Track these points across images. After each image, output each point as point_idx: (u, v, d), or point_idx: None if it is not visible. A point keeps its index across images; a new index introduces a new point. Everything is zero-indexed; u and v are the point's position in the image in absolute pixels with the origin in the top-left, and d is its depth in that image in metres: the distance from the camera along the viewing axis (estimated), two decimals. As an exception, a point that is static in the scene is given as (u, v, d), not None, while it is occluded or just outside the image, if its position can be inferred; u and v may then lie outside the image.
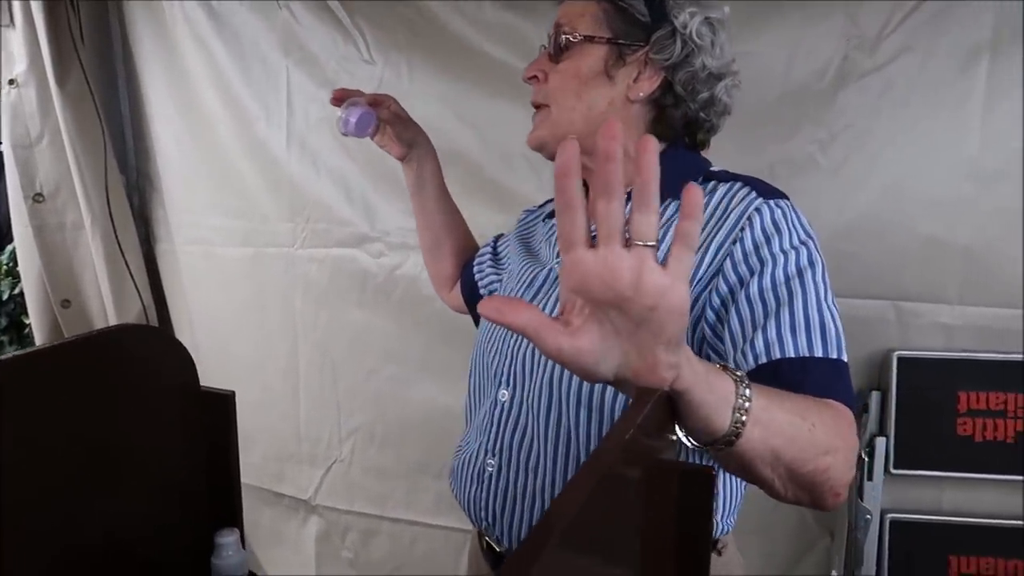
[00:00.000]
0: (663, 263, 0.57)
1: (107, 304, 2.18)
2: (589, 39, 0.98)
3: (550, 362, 0.94)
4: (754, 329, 0.84)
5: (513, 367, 1.00)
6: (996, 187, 1.53)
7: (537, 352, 0.92)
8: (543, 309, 0.94)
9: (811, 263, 0.87)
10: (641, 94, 0.98)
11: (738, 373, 0.67)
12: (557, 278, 0.95)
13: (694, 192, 0.56)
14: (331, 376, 2.08)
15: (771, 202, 0.91)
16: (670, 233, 0.79)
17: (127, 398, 0.86)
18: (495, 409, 1.02)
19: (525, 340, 0.91)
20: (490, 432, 1.03)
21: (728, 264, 0.88)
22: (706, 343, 0.89)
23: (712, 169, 1.02)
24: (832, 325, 0.84)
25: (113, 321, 2.15)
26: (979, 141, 1.53)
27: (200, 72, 2.05)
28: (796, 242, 0.89)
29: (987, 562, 1.59)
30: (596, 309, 0.58)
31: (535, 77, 1.05)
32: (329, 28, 1.92)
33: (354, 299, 2.01)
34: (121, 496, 0.85)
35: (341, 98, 1.24)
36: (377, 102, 1.24)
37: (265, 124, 2.02)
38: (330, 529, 2.17)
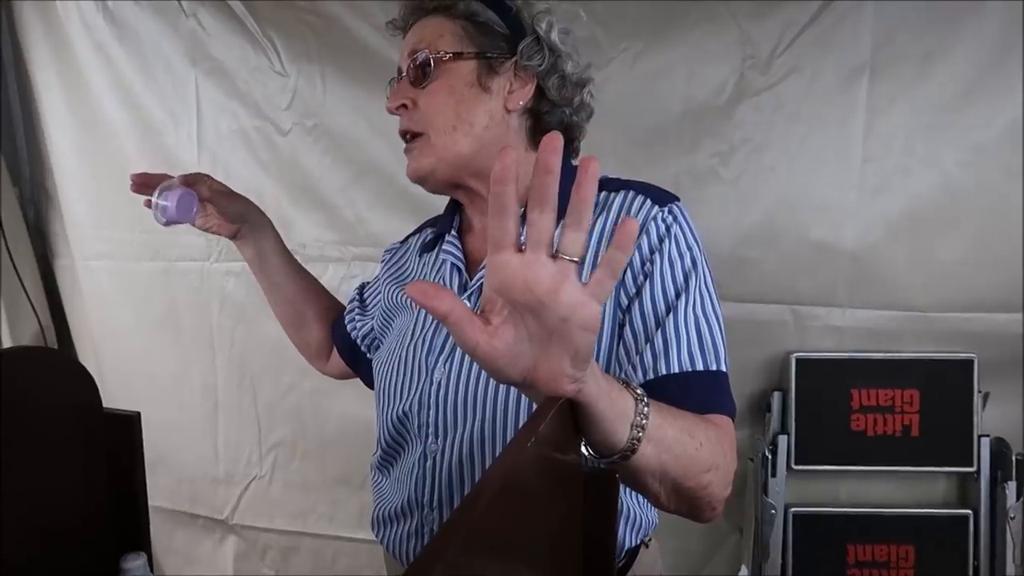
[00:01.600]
0: (584, 282, 0.60)
1: (1, 323, 2.08)
2: (456, 55, 0.97)
3: (480, 408, 0.93)
4: (644, 342, 0.88)
5: (439, 418, 0.97)
6: (878, 196, 1.65)
7: (465, 401, 0.93)
8: (451, 350, 0.96)
9: (694, 268, 0.91)
10: (521, 102, 0.98)
11: (638, 391, 0.70)
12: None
13: (630, 226, 0.58)
14: (250, 391, 2.04)
15: (664, 209, 0.94)
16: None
17: (18, 424, 0.83)
18: (426, 462, 0.99)
19: (447, 390, 0.95)
20: (424, 486, 0.99)
21: (628, 275, 0.91)
22: (613, 353, 0.91)
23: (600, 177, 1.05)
24: (710, 336, 0.88)
25: (7, 341, 2.05)
26: (861, 153, 1.64)
27: (100, 79, 1.99)
28: (683, 248, 0.92)
29: (881, 549, 1.69)
30: (514, 312, 0.60)
31: (403, 106, 1.00)
32: (238, 37, 1.90)
33: (271, 313, 1.98)
34: (14, 526, 0.82)
35: (145, 184, 1.14)
36: (191, 181, 1.15)
37: (173, 135, 1.98)
38: (248, 548, 2.13)
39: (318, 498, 2.04)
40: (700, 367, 0.86)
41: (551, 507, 0.64)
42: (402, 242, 1.25)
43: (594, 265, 0.90)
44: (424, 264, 1.13)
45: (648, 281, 0.90)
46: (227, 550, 2.14)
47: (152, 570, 0.88)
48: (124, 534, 0.93)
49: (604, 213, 0.96)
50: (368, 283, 1.29)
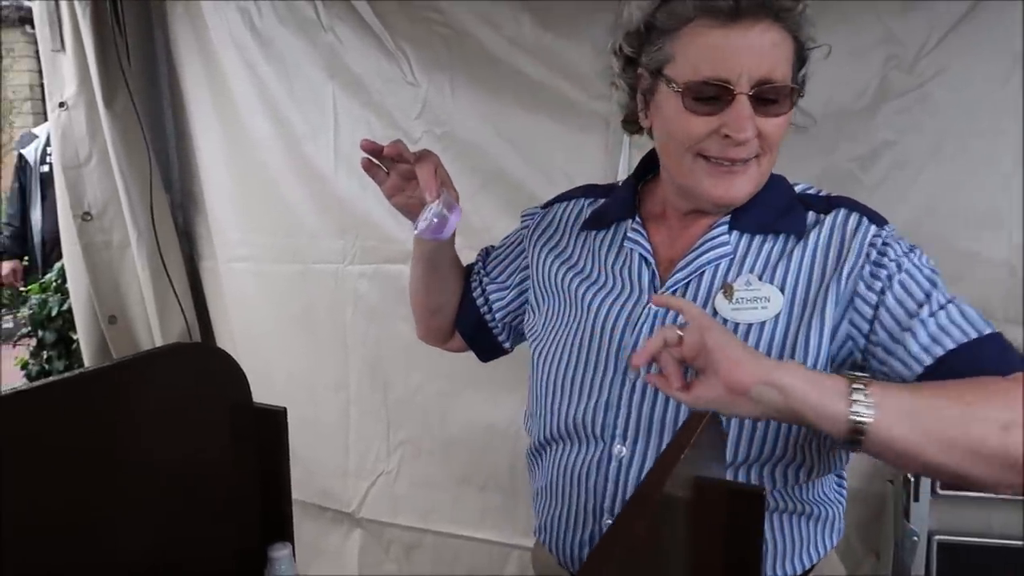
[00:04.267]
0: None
1: (152, 321, 2.24)
2: (795, 91, 0.93)
3: (677, 416, 0.94)
4: (907, 336, 0.88)
5: (631, 422, 0.96)
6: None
7: (662, 407, 0.94)
8: (634, 349, 0.95)
9: (934, 273, 0.93)
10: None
11: (853, 374, 0.80)
12: (658, 318, 0.97)
13: None
14: (381, 390, 2.11)
15: (884, 229, 0.95)
16: (780, 268, 0.95)
17: (181, 416, 0.89)
18: (607, 466, 0.97)
19: (644, 393, 0.95)
20: (603, 493, 0.97)
21: (862, 286, 0.91)
22: (869, 367, 0.92)
23: (798, 189, 1.03)
24: (968, 307, 0.90)
25: (158, 337, 2.20)
26: (1014, 157, 1.54)
27: (246, 93, 2.11)
28: (907, 248, 0.94)
29: (1037, 584, 1.56)
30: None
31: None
32: (372, 50, 1.97)
33: (403, 314, 2.03)
34: (174, 513, 0.88)
35: (378, 153, 1.02)
36: (441, 178, 1.02)
37: (312, 144, 2.07)
38: (373, 542, 2.20)
39: (441, 496, 2.09)
40: (974, 335, 0.87)
41: (693, 525, 0.63)
42: (544, 207, 1.20)
43: (802, 290, 0.94)
44: (589, 242, 1.08)
45: (890, 287, 0.91)
46: (353, 543, 2.21)
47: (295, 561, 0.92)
48: (270, 524, 0.98)
49: (817, 228, 0.96)
50: (493, 250, 1.25)
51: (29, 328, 3.40)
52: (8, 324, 5.49)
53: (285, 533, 0.97)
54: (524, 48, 1.82)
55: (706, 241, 0.98)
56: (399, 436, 2.12)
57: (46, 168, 3.76)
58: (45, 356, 3.27)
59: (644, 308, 0.99)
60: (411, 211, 1.07)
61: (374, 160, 1.04)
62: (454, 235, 1.10)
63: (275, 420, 0.97)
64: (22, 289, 3.93)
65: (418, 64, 1.94)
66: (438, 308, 1.26)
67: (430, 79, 1.93)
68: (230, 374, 0.93)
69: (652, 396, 0.95)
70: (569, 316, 1.05)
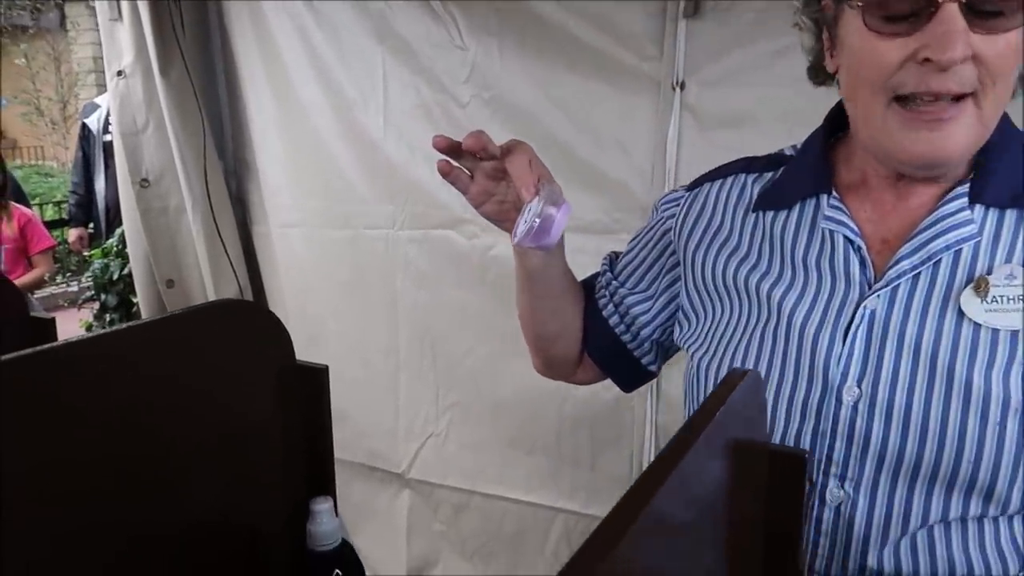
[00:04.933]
0: None
1: (207, 284, 2.31)
2: None
3: (935, 444, 0.72)
4: None
5: (853, 456, 0.74)
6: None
7: (905, 434, 0.72)
8: (875, 364, 0.73)
9: None
10: None
11: None
12: (876, 319, 0.75)
13: None
14: (431, 354, 2.14)
15: None
16: None
17: (227, 370, 0.91)
18: (822, 512, 0.77)
19: (869, 418, 0.73)
20: (817, 551, 0.78)
21: None
22: None
23: None
24: None
25: (212, 299, 2.26)
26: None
27: (298, 60, 2.13)
28: None
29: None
30: None
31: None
32: (421, 14, 1.96)
33: (451, 279, 2.06)
34: (219, 466, 0.90)
35: (456, 150, 0.86)
36: (545, 176, 0.86)
37: (362, 110, 2.08)
38: (422, 502, 2.24)
39: (489, 459, 2.11)
40: None
41: (733, 485, 0.61)
42: (690, 188, 0.97)
43: None
44: (764, 226, 0.86)
45: None
46: (402, 503, 2.26)
47: (336, 514, 0.93)
48: (314, 479, 0.99)
49: None
50: (624, 254, 1.04)
51: (93, 292, 3.53)
52: (74, 288, 5.72)
53: (328, 488, 0.98)
54: (573, 10, 1.79)
55: (940, 219, 0.74)
56: (448, 399, 2.14)
57: (108, 137, 3.86)
58: (108, 319, 3.40)
59: (858, 307, 0.76)
60: (507, 219, 0.90)
61: (452, 162, 0.88)
62: (563, 243, 0.93)
63: (317, 377, 0.98)
64: (86, 255, 4.07)
65: (467, 28, 1.92)
66: (556, 336, 1.04)
67: (479, 42, 1.92)
68: (274, 332, 0.95)
69: (884, 418, 0.72)
70: (752, 320, 0.83)
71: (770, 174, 0.89)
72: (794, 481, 0.66)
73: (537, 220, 0.81)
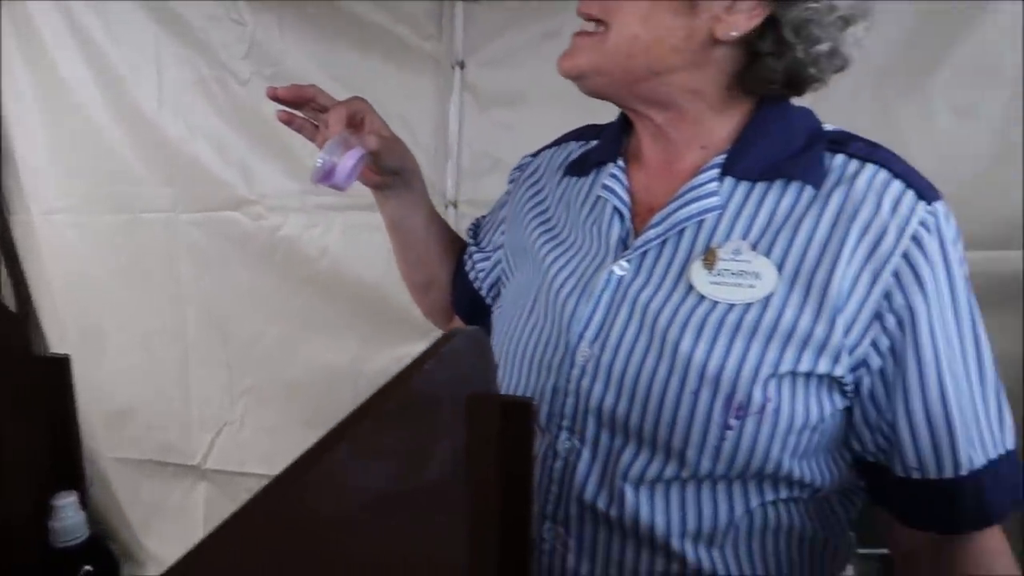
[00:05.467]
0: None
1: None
2: None
3: (641, 405, 0.75)
4: (922, 428, 0.72)
5: (579, 411, 0.77)
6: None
7: (619, 393, 0.75)
8: (608, 327, 0.76)
9: (971, 301, 0.74)
10: (733, 33, 0.72)
11: None
12: (621, 285, 0.78)
13: None
14: (220, 339, 2.08)
15: (933, 207, 0.71)
16: (783, 235, 0.72)
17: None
18: (553, 462, 0.79)
19: (595, 378, 0.76)
20: (548, 493, 0.80)
21: (884, 306, 0.70)
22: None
23: (828, 129, 0.79)
24: (1005, 405, 0.75)
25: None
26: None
27: (58, 35, 1.97)
28: (957, 270, 0.72)
29: None
30: None
31: None
32: (196, -14, 1.87)
33: (238, 262, 2.00)
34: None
35: (300, 99, 0.91)
36: (353, 122, 0.90)
37: (134, 86, 1.97)
38: (220, 493, 2.18)
39: (287, 442, 2.08)
40: (994, 453, 0.73)
41: (465, 437, 0.65)
42: (534, 155, 1.01)
43: (807, 272, 0.71)
44: (567, 192, 0.90)
45: (918, 338, 0.70)
46: (198, 496, 2.19)
47: (86, 508, 0.90)
48: (61, 475, 0.95)
49: (842, 186, 0.73)
50: (485, 215, 1.08)
51: None
52: None
53: (77, 483, 0.94)
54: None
55: (690, 189, 0.77)
56: (242, 384, 2.10)
57: None
58: None
59: (606, 272, 0.78)
60: (366, 181, 0.95)
61: (293, 112, 0.91)
62: (426, 198, 1.02)
63: (58, 368, 0.93)
64: None
65: (245, 2, 1.86)
66: (426, 285, 1.10)
67: (257, 18, 1.87)
68: (6, 325, 0.89)
69: (604, 379, 0.76)
70: (532, 282, 0.87)
71: (594, 142, 0.91)
72: (524, 428, 0.72)
73: (319, 163, 0.84)
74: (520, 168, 1.01)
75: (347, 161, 0.85)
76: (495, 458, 0.71)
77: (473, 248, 1.05)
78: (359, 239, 1.89)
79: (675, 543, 0.76)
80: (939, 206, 0.72)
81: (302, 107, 0.92)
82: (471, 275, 1.04)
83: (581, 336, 0.77)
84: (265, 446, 2.11)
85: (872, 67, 1.65)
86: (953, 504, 0.73)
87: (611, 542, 0.78)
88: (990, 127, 1.67)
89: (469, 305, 1.05)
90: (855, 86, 1.66)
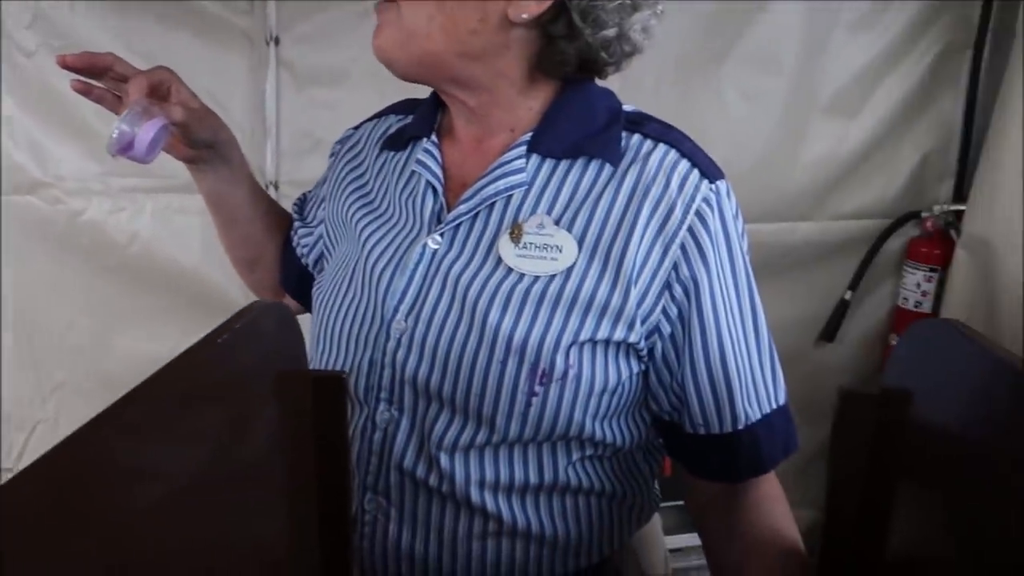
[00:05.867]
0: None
1: None
2: None
3: (453, 376, 0.78)
4: (702, 385, 0.79)
5: (396, 383, 0.80)
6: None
7: (432, 365, 0.78)
8: (421, 300, 0.79)
9: (749, 271, 0.81)
10: (524, 15, 0.75)
11: None
12: (435, 259, 0.80)
13: None
14: (25, 334, 1.91)
15: (715, 185, 0.78)
16: (584, 211, 0.77)
17: None
18: (372, 434, 0.82)
19: (410, 351, 0.78)
20: (368, 464, 0.82)
21: (673, 276, 0.77)
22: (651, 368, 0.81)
23: (627, 110, 0.84)
24: (778, 364, 0.83)
25: None
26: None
27: None
28: (736, 243, 0.80)
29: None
30: None
31: None
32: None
33: (38, 250, 1.85)
34: None
35: (94, 66, 0.87)
36: (158, 93, 0.88)
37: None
38: (36, 496, 2.00)
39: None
40: (770, 406, 0.82)
41: (278, 412, 0.66)
42: (356, 128, 1.01)
43: (606, 244, 0.77)
44: (385, 166, 0.91)
45: (701, 306, 0.77)
46: (13, 500, 2.01)
47: None
48: None
49: (636, 164, 0.78)
50: (311, 190, 1.07)
51: None
52: None
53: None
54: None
55: (499, 166, 0.80)
56: (53, 380, 1.95)
57: None
58: None
59: (420, 245, 0.81)
60: (174, 155, 0.94)
61: (90, 82, 0.88)
62: (244, 168, 0.99)
63: None
64: None
65: (28, -32, 1.70)
66: (254, 260, 1.08)
67: (45, -11, 1.71)
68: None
69: (418, 352, 0.78)
70: (349, 256, 0.89)
71: (411, 117, 0.93)
72: (336, 401, 0.73)
73: (115, 134, 0.81)
74: (341, 142, 1.01)
75: (147, 132, 0.82)
76: (310, 433, 0.72)
77: (298, 223, 1.04)
78: (172, 223, 1.80)
79: (490, 504, 0.81)
80: (721, 184, 0.78)
81: (100, 77, 0.89)
82: (298, 251, 1.04)
83: (396, 309, 0.80)
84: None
85: (673, 57, 1.78)
86: (734, 455, 0.82)
87: (431, 508, 0.82)
88: (773, 112, 1.85)
89: (297, 281, 1.05)
90: (659, 74, 1.79)
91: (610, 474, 0.86)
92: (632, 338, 0.77)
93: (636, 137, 0.80)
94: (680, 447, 0.85)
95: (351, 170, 0.95)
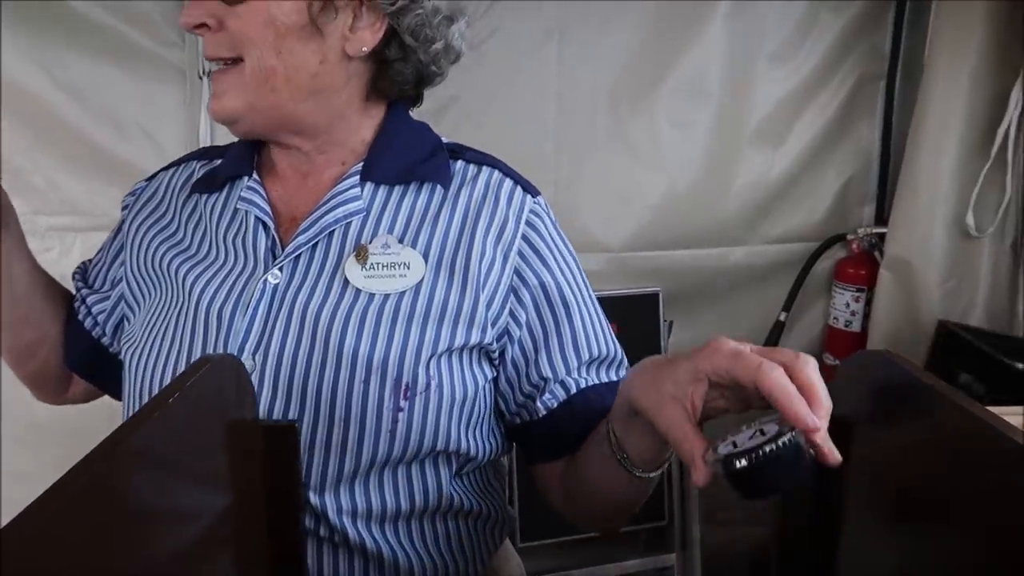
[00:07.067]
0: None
1: None
2: None
3: (312, 407, 0.78)
4: (553, 347, 0.84)
5: None
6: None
7: (288, 398, 0.77)
8: (268, 335, 0.78)
9: (578, 267, 0.88)
10: (364, 48, 0.79)
11: None
12: (277, 292, 0.80)
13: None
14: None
15: (537, 199, 0.87)
16: (425, 230, 0.81)
17: None
18: None
19: (259, 386, 0.77)
20: None
21: (517, 280, 0.83)
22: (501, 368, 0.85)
23: (446, 141, 0.90)
24: (607, 326, 0.89)
25: None
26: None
27: None
28: (564, 245, 0.88)
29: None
30: None
31: (204, 25, 0.77)
32: None
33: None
34: None
35: None
36: None
37: None
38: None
39: (41, 488, 1.83)
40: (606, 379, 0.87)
41: (226, 465, 0.65)
42: (149, 180, 0.97)
43: (449, 258, 0.82)
44: (196, 210, 0.89)
45: (544, 292, 0.83)
46: None
47: None
48: None
49: (467, 186, 0.85)
50: (92, 259, 1.00)
51: None
52: None
53: None
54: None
55: (335, 196, 0.82)
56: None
57: None
58: None
59: (260, 281, 0.80)
60: None
61: None
62: (21, 244, 0.88)
63: None
64: None
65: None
66: (36, 343, 0.95)
67: (-37, 20, 1.65)
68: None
69: (271, 388, 0.78)
70: (170, 306, 0.84)
71: (219, 160, 0.93)
72: (289, 448, 0.73)
73: None
74: (133, 194, 0.97)
75: None
76: (260, 481, 0.71)
77: (86, 292, 0.97)
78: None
79: (367, 539, 0.80)
80: (540, 199, 0.87)
81: None
82: (87, 323, 0.95)
83: (242, 349, 0.78)
84: (16, 495, 1.83)
85: (606, 87, 1.83)
86: (584, 425, 0.84)
87: (321, 552, 0.80)
88: (703, 140, 1.91)
89: (89, 356, 0.96)
90: (593, 103, 1.83)
91: (475, 491, 0.88)
92: (485, 339, 0.81)
93: (460, 163, 0.87)
94: (530, 442, 0.88)
95: (154, 222, 0.91)
